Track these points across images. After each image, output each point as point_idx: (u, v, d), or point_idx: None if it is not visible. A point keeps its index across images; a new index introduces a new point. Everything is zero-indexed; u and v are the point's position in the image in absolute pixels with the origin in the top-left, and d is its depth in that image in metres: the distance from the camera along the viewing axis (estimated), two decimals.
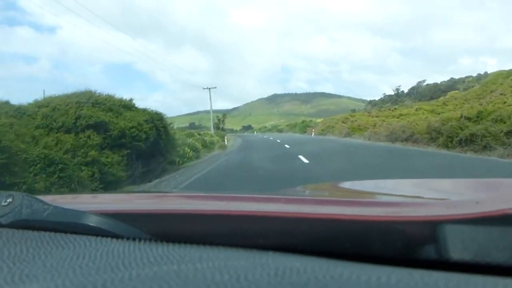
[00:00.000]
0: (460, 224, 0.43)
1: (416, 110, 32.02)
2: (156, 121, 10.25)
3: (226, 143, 28.34)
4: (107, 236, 0.58)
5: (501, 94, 28.35)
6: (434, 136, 14.27)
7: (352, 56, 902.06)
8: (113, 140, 8.67)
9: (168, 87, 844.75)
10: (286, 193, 0.94)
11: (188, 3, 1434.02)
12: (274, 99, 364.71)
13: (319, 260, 0.45)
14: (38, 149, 6.49)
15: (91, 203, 0.86)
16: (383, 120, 26.81)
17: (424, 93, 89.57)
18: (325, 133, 35.25)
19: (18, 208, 0.61)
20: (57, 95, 9.20)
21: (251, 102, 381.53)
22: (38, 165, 6.23)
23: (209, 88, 37.88)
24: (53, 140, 7.50)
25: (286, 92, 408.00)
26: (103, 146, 8.29)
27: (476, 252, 0.41)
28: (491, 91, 31.29)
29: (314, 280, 0.38)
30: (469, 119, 12.67)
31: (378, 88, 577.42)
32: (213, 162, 13.49)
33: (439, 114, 25.42)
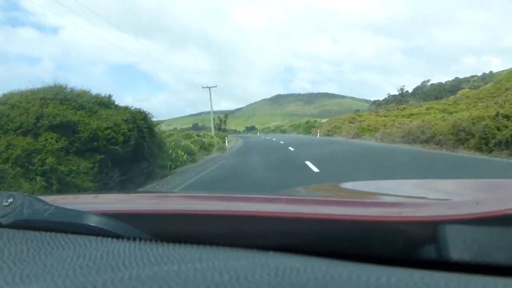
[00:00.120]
0: (461, 225, 0.43)
1: (427, 109, 30.40)
2: (139, 120, 8.84)
3: (226, 144, 26.93)
4: (107, 236, 0.58)
5: None
6: (462, 137, 12.30)
7: (355, 56, 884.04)
8: (83, 143, 7.25)
9: (171, 88, 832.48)
10: (286, 193, 0.93)
11: (191, 3, 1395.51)
12: (277, 100, 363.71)
13: (319, 260, 0.45)
14: None
15: (92, 203, 0.86)
16: (393, 120, 25.03)
17: (429, 93, 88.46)
18: (331, 134, 33.34)
19: (19, 208, 0.61)
20: (19, 90, 7.72)
21: (255, 102, 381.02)
22: None
23: (209, 87, 36.47)
24: (1, 145, 5.99)
25: (290, 92, 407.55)
26: (70, 151, 6.82)
27: (476, 252, 0.41)
28: (506, 89, 29.61)
29: (314, 280, 0.39)
30: (507, 117, 10.64)
31: (381, 88, 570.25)
32: (207, 167, 12.11)
33: (451, 113, 23.97)
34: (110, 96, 9.11)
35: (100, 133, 7.56)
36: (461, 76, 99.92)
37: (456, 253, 0.42)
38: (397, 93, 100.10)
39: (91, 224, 0.59)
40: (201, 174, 10.34)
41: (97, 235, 0.58)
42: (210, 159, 15.49)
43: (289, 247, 0.50)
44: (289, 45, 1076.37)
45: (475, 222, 0.43)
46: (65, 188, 6.27)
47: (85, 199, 0.96)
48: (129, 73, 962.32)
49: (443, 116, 19.58)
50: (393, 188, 1.04)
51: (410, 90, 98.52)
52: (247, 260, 0.47)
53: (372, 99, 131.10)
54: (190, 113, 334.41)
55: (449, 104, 31.68)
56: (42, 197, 0.65)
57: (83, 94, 8.48)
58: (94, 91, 8.85)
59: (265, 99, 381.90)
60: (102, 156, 7.50)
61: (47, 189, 5.98)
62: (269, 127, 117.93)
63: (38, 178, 6.03)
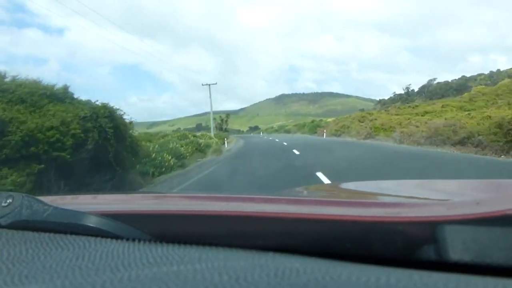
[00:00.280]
0: (461, 225, 0.43)
1: (443, 107, 28.02)
2: (102, 118, 6.81)
3: (226, 146, 24.86)
4: (106, 236, 0.58)
5: None
6: None
7: (360, 55, 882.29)
8: (14, 149, 5.20)
9: (175, 88, 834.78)
10: (286, 193, 0.94)
11: (195, 3, 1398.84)
12: (281, 99, 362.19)
13: (319, 261, 0.46)
14: None
15: (91, 204, 0.86)
16: (408, 119, 22.64)
17: (436, 92, 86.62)
18: (339, 134, 30.51)
19: (18, 209, 0.61)
20: None
21: (259, 102, 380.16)
22: None
23: (209, 85, 34.28)
24: None
25: (294, 92, 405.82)
26: None
27: (476, 253, 0.41)
28: None
29: (313, 281, 0.39)
30: None
31: (386, 87, 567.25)
32: (196, 175, 10.05)
33: (469, 111, 21.80)
34: (66, 87, 7.13)
35: (40, 135, 5.59)
36: (468, 75, 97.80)
37: (455, 254, 0.42)
38: (402, 92, 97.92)
39: (90, 224, 0.59)
40: (189, 182, 8.91)
41: (96, 235, 0.58)
42: (202, 164, 13.41)
43: (289, 248, 0.50)
44: (294, 45, 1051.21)
45: (475, 222, 0.43)
46: None
47: (84, 200, 0.96)
48: (134, 74, 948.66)
49: (469, 113, 17.05)
50: (393, 188, 1.05)
51: (416, 89, 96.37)
52: (246, 260, 0.47)
53: (377, 99, 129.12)
54: (194, 113, 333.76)
55: (465, 101, 29.49)
56: (41, 198, 0.64)
57: (28, 84, 6.52)
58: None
59: (269, 98, 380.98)
60: (43, 165, 5.51)
61: None
62: (272, 127, 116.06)
63: None
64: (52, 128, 5.81)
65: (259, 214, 0.56)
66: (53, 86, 7.08)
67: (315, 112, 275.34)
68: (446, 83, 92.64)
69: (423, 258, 0.44)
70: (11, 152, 5.33)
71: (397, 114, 27.33)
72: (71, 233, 0.59)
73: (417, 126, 17.37)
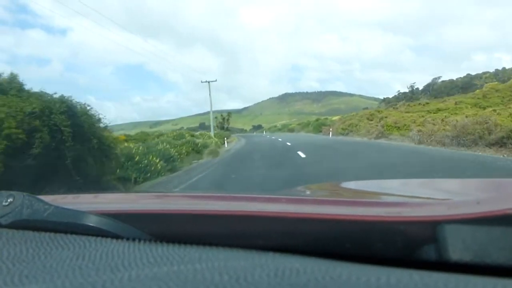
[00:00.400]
0: (461, 224, 0.43)
1: (456, 104, 26.49)
2: (57, 115, 5.30)
3: (225, 146, 23.31)
4: (107, 236, 0.58)
5: None
6: None
7: (363, 54, 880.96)
8: None
9: (179, 88, 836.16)
10: (286, 193, 0.93)
11: (198, 3, 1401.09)
12: (285, 98, 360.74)
13: (319, 261, 0.46)
14: None
15: (92, 203, 0.85)
16: (422, 116, 20.85)
17: (440, 90, 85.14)
18: (347, 132, 28.18)
19: (19, 208, 0.61)
20: None
21: (262, 101, 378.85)
22: None
23: (208, 82, 32.90)
24: None
25: (297, 91, 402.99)
26: None
27: (476, 253, 0.41)
28: None
29: (313, 281, 0.39)
30: None
31: (390, 86, 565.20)
32: (180, 183, 8.53)
33: (484, 108, 20.19)
34: (13, 76, 5.64)
35: None
36: (473, 73, 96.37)
37: (456, 254, 0.42)
38: (407, 90, 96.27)
39: (91, 224, 0.59)
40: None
41: (97, 235, 0.58)
42: (195, 168, 11.87)
43: (289, 248, 0.50)
44: (297, 44, 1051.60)
45: (475, 222, 0.42)
46: None
47: (85, 199, 0.94)
48: (137, 74, 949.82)
49: (494, 110, 15.27)
50: (394, 187, 1.03)
51: (421, 88, 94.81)
52: (246, 260, 0.47)
53: (381, 97, 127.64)
54: (197, 113, 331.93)
55: (478, 98, 27.94)
56: (42, 197, 0.64)
57: None
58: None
59: (272, 97, 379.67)
60: None
61: None
62: (275, 126, 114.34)
63: None
64: None
65: (259, 214, 0.56)
66: None
67: (319, 111, 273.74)
68: (451, 81, 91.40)
69: (424, 258, 0.44)
70: None
71: (407, 112, 25.70)
72: (72, 232, 0.59)
73: (433, 124, 15.59)
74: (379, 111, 30.96)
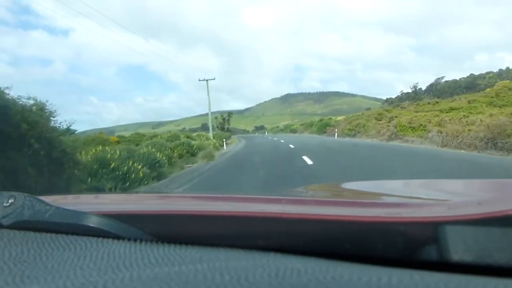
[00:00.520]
0: (462, 225, 0.43)
1: (469, 102, 24.97)
2: None
3: (224, 148, 21.80)
4: (108, 237, 0.58)
5: None
6: None
7: (366, 54, 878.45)
8: None
9: (181, 88, 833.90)
10: (287, 193, 0.93)
11: (200, 3, 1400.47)
12: (287, 99, 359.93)
13: (320, 261, 0.46)
14: None
15: (93, 204, 0.85)
16: (437, 115, 19.20)
17: (444, 90, 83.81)
18: (354, 133, 26.49)
19: (20, 209, 0.61)
20: None
21: (264, 102, 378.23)
22: None
23: (206, 80, 31.15)
24: None
25: (299, 91, 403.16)
26: None
27: (477, 253, 0.41)
28: None
29: (314, 281, 0.39)
30: None
31: (392, 86, 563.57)
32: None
33: (500, 107, 18.67)
34: None
35: None
36: (476, 73, 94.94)
37: (457, 254, 0.42)
38: (410, 90, 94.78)
39: (92, 225, 0.59)
40: None
41: (98, 236, 0.58)
42: (184, 175, 10.35)
43: (290, 248, 0.50)
44: (299, 44, 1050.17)
45: (476, 222, 0.43)
46: None
47: (86, 200, 0.95)
48: (140, 74, 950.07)
49: None
50: (395, 188, 1.02)
51: (424, 88, 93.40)
52: (247, 261, 0.47)
53: (383, 97, 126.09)
54: (200, 113, 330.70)
55: (492, 97, 26.46)
56: (43, 198, 0.64)
57: None
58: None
59: (274, 98, 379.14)
60: None
61: None
62: (278, 127, 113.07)
63: None
64: None
65: (260, 214, 0.56)
66: None
67: (321, 112, 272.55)
68: (455, 81, 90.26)
69: (425, 258, 0.44)
70: None
71: (417, 111, 24.08)
72: (73, 233, 0.59)
73: (452, 124, 13.75)
74: (387, 110, 29.23)
